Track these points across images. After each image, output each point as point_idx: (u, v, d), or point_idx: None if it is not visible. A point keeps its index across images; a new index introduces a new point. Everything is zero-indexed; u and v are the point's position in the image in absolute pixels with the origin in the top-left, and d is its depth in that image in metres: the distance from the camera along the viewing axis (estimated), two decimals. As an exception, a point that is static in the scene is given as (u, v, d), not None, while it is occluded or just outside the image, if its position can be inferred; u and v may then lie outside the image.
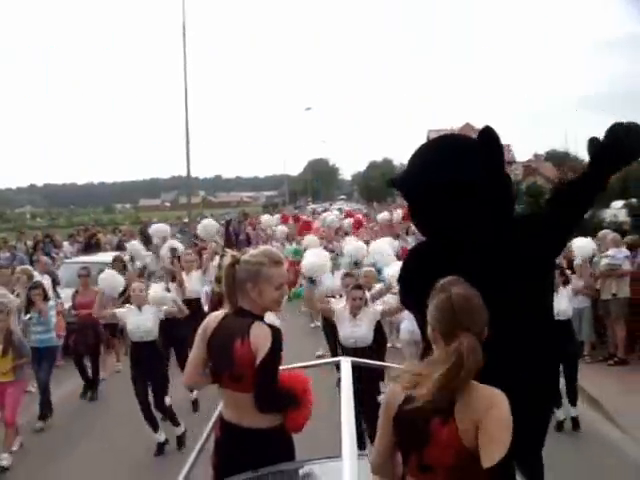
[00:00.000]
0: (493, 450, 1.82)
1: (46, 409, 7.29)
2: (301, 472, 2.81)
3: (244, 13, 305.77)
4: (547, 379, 2.75)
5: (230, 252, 2.96)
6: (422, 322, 2.26)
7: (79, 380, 8.42)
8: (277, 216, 21.88)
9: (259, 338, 2.65)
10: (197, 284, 8.71)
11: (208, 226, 10.98)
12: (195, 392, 7.15)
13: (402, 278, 3.03)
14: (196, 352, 2.86)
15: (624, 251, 9.10)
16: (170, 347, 7.51)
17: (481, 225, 2.63)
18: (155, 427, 6.29)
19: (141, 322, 6.27)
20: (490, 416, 1.85)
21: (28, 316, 7.31)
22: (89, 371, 8.42)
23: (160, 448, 6.30)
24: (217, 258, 9.81)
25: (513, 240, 2.64)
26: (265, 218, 20.47)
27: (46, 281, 8.92)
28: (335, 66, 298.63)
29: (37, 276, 8.85)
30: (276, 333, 2.70)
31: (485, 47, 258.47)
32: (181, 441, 6.38)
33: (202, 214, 28.26)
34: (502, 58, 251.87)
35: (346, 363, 2.85)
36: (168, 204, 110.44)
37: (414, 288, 2.63)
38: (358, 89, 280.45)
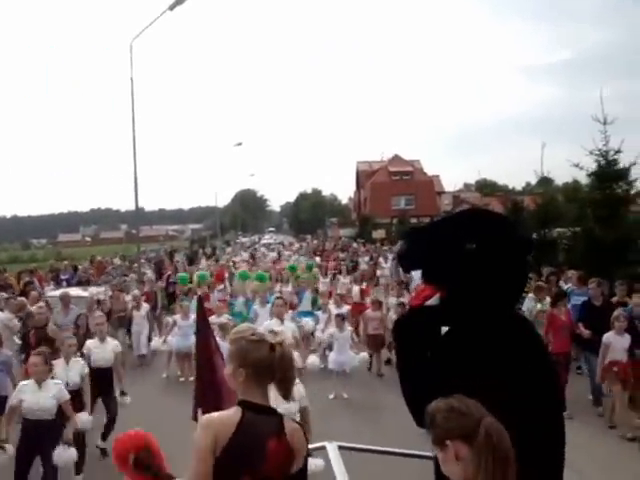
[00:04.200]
0: None
1: None
2: None
3: (182, 53, 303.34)
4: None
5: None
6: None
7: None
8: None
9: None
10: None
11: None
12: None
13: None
14: (203, 469, 2.32)
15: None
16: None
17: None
18: None
19: (40, 399, 5.79)
20: None
21: None
22: None
23: None
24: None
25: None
26: None
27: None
28: (264, 101, 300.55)
29: None
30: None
31: (413, 77, 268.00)
32: None
33: (142, 249, 26.10)
34: (430, 88, 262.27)
35: (332, 449, 2.82)
36: (89, 239, 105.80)
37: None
38: (286, 122, 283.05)
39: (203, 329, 4.50)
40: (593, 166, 13.33)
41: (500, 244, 2.65)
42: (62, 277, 18.53)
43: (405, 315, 3.52)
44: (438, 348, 2.66)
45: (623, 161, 13.09)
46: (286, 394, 2.55)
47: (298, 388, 5.28)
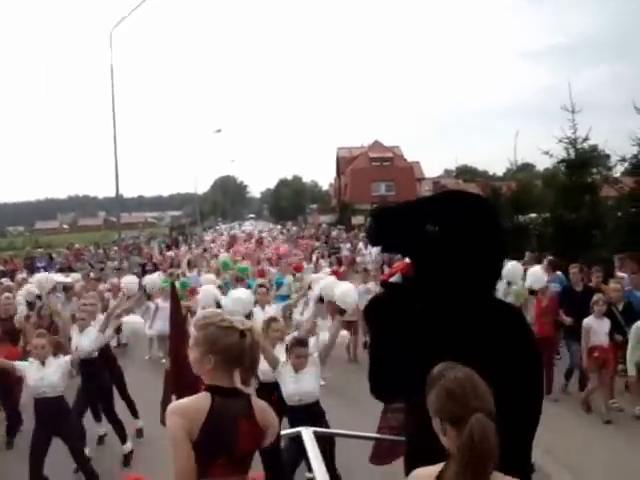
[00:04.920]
0: None
1: None
2: None
3: (162, 39, 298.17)
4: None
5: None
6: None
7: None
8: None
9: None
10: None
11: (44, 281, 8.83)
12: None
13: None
14: (184, 454, 2.33)
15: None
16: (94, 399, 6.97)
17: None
18: None
19: (45, 376, 5.84)
20: None
21: None
22: None
23: None
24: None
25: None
26: None
27: None
28: (244, 88, 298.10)
29: None
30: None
31: (396, 62, 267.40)
32: None
33: (122, 236, 25.69)
34: (414, 73, 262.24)
35: (307, 434, 2.85)
36: (67, 226, 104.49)
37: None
38: (267, 109, 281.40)
39: (176, 317, 4.50)
40: (563, 153, 13.76)
41: (469, 226, 2.62)
42: (38, 265, 18.33)
43: (376, 295, 3.55)
44: (408, 326, 2.67)
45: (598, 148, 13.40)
46: (247, 380, 2.54)
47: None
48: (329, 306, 9.78)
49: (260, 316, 7.76)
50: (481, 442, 1.79)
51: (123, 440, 6.85)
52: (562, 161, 13.83)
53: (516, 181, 18.43)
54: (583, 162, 13.43)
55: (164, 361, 10.53)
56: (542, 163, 32.67)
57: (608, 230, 12.56)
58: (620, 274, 9.55)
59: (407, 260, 2.92)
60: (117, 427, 6.89)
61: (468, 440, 1.80)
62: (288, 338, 5.68)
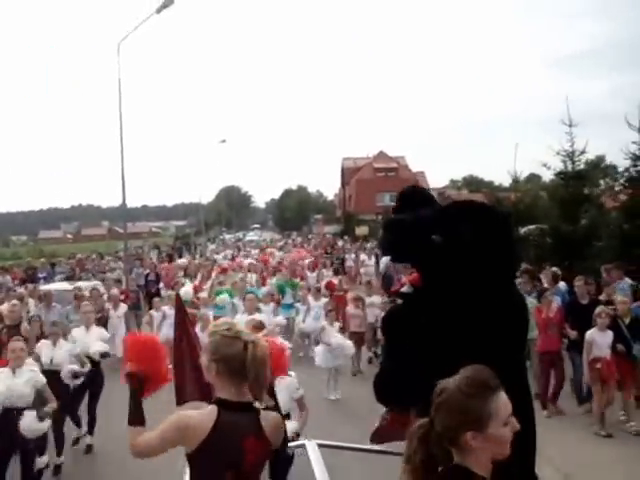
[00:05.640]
0: None
1: None
2: None
3: (167, 50, 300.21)
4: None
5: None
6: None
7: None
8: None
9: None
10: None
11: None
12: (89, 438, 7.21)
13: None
14: (160, 444, 2.43)
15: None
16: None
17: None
18: None
19: (14, 386, 5.69)
20: None
21: None
22: None
23: None
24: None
25: None
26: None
27: None
28: (249, 98, 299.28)
29: None
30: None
31: (401, 72, 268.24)
32: None
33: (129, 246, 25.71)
34: (415, 84, 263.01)
35: (312, 447, 2.87)
36: (70, 236, 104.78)
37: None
38: (272, 119, 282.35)
39: (181, 327, 4.49)
40: (560, 166, 14.00)
41: (474, 236, 2.60)
42: (39, 275, 18.32)
43: (393, 307, 3.54)
44: (419, 336, 2.68)
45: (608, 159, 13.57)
46: (258, 395, 2.50)
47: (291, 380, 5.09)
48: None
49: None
50: None
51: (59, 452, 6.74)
52: (560, 173, 14.04)
53: (517, 193, 18.42)
54: (579, 174, 13.64)
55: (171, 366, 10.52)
56: (548, 174, 32.62)
57: (603, 242, 12.69)
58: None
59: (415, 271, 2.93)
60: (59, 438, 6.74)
61: None
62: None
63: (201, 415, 2.42)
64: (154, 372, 2.74)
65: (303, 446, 3.35)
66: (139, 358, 2.70)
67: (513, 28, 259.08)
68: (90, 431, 7.44)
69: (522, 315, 2.82)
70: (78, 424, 7.38)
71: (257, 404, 2.52)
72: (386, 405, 3.07)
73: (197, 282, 15.10)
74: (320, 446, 3.28)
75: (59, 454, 6.73)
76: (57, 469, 6.67)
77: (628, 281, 9.83)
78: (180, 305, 4.81)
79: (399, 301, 3.11)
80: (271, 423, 2.53)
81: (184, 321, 4.61)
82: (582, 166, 13.79)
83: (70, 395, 7.07)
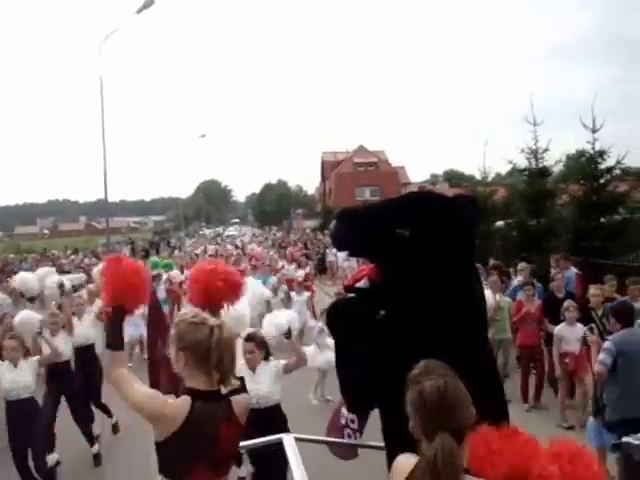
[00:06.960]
0: None
1: None
2: None
3: (146, 46, 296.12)
4: None
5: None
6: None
7: None
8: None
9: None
10: (89, 329, 7.97)
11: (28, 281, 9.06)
12: (96, 446, 7.00)
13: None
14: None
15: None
16: (58, 401, 6.95)
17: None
18: None
19: (18, 377, 5.89)
20: None
21: None
22: None
23: None
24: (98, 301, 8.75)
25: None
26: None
27: None
28: (229, 92, 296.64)
29: None
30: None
31: (381, 67, 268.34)
32: None
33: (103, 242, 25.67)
34: (395, 78, 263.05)
35: (289, 440, 2.81)
36: (47, 231, 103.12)
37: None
38: (252, 113, 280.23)
39: (156, 326, 4.48)
40: (525, 163, 14.45)
41: (438, 230, 2.53)
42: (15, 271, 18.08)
43: (337, 300, 3.48)
44: (375, 332, 2.60)
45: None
46: (223, 380, 2.48)
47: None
48: None
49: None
50: (444, 464, 1.78)
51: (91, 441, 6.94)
52: (524, 170, 14.52)
53: (487, 187, 18.57)
54: (542, 172, 14.17)
55: (130, 364, 10.51)
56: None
57: (561, 236, 13.31)
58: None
59: (372, 264, 2.81)
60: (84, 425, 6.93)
61: (432, 459, 1.80)
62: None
63: (174, 406, 2.41)
64: (131, 289, 2.70)
65: (280, 440, 3.35)
66: (114, 276, 2.70)
67: (495, 22, 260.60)
68: (109, 415, 7.56)
69: (482, 306, 2.78)
70: (108, 413, 7.53)
71: (222, 388, 2.51)
72: (364, 412, 3.06)
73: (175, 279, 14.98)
74: (297, 439, 3.27)
75: (50, 452, 6.66)
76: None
77: (574, 270, 10.16)
78: (155, 303, 4.76)
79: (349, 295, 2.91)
80: (241, 406, 2.55)
81: (160, 319, 4.59)
82: (546, 163, 14.32)
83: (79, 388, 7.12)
